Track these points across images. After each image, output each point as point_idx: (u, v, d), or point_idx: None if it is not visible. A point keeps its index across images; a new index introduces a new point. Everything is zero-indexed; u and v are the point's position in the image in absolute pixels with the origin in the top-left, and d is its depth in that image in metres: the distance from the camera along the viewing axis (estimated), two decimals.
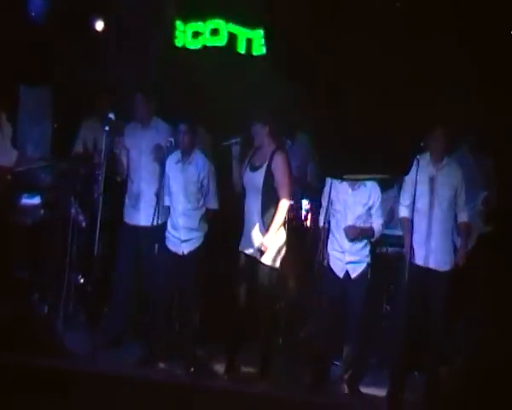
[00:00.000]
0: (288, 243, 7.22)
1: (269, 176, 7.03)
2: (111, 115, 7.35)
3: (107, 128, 7.26)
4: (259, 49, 9.19)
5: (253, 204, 7.07)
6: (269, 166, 7.04)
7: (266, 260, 7.01)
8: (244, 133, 7.26)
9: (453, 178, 7.08)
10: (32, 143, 8.18)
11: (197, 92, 8.62)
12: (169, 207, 7.38)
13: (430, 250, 7.00)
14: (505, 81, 7.92)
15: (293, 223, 7.94)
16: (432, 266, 7.00)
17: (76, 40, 8.84)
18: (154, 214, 7.11)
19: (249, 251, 7.05)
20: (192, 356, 7.25)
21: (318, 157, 8.53)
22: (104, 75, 8.69)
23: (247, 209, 7.15)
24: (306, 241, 8.00)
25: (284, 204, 7.04)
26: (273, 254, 7.03)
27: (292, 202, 7.54)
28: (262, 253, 6.98)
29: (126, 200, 7.73)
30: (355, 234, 7.02)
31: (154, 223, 7.15)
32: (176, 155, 7.37)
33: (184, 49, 9.19)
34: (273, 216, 7.00)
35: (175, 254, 7.29)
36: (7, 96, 8.22)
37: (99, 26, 9.10)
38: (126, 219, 7.71)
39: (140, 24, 9.09)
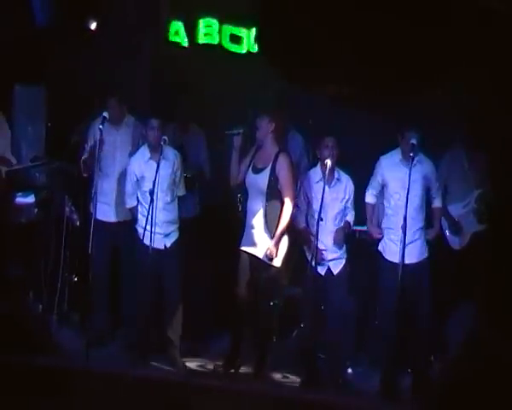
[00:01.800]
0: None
1: (273, 178, 7.02)
2: (105, 114, 7.38)
3: (100, 127, 7.29)
4: (252, 47, 9.19)
5: (257, 206, 7.05)
6: (273, 169, 7.02)
7: (266, 259, 7.02)
8: (247, 126, 7.24)
9: (424, 174, 7.14)
10: (26, 143, 8.16)
11: (190, 90, 8.62)
12: (136, 207, 7.38)
13: (404, 246, 6.98)
14: (499, 78, 7.95)
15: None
16: (407, 260, 7.01)
17: (69, 39, 8.84)
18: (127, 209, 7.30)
19: (250, 250, 7.04)
20: (182, 353, 7.28)
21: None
22: (98, 74, 8.69)
23: (249, 210, 7.12)
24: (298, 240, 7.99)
25: (289, 207, 7.04)
26: (279, 256, 7.04)
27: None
28: (270, 258, 6.97)
29: (98, 196, 7.63)
30: (343, 236, 7.12)
31: (129, 217, 7.39)
32: (143, 153, 7.37)
33: (177, 46, 9.17)
34: (278, 218, 6.99)
35: (156, 250, 7.24)
36: (4, 98, 8.22)
37: (93, 24, 9.09)
38: (99, 216, 7.63)
39: (133, 23, 9.10)
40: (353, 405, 5.50)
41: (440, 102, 8.16)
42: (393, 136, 7.20)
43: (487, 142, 7.98)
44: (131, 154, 7.62)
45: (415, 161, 7.03)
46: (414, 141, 6.99)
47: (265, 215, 6.99)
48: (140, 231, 7.26)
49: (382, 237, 7.15)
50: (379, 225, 7.22)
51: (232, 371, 7.12)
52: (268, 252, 6.94)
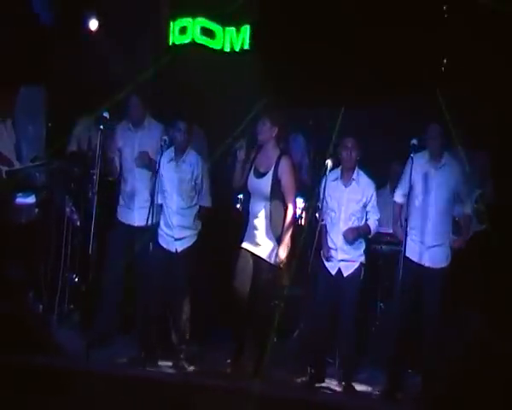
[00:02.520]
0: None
1: (276, 182, 6.98)
2: (105, 114, 7.36)
3: (101, 127, 7.27)
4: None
5: (260, 208, 7.00)
6: (275, 172, 6.98)
7: (273, 259, 6.99)
8: (247, 133, 7.24)
9: (451, 177, 7.04)
10: (27, 143, 8.16)
11: (193, 91, 8.63)
12: (161, 205, 7.37)
13: (426, 248, 6.99)
14: (501, 77, 7.96)
15: None
16: (426, 263, 7.00)
17: (70, 40, 8.85)
18: (149, 214, 7.08)
19: (253, 249, 7.02)
20: (186, 354, 7.27)
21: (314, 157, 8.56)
22: (98, 74, 8.69)
23: (252, 212, 7.07)
24: (301, 239, 7.99)
25: (293, 209, 7.01)
26: (283, 259, 6.98)
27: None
28: (279, 262, 6.94)
29: (120, 199, 7.72)
30: (353, 235, 7.03)
31: (149, 223, 7.12)
32: (169, 154, 7.36)
33: (177, 47, 9.19)
34: (283, 222, 6.95)
35: (168, 252, 7.28)
36: (7, 100, 8.22)
37: (93, 25, 9.10)
38: (120, 218, 7.69)
39: (133, 23, 9.11)
40: (356, 406, 5.51)
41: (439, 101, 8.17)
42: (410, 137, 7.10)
43: (487, 142, 7.99)
44: (143, 163, 7.55)
45: (442, 163, 7.00)
46: (414, 141, 6.96)
47: (270, 218, 6.96)
48: (159, 230, 7.27)
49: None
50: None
51: (240, 371, 7.08)
52: (278, 258, 6.91)
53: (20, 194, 8.03)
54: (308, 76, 8.78)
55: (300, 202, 8.11)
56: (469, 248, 7.67)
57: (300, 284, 7.59)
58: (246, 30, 9.26)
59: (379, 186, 7.66)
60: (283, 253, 6.92)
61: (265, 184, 7.00)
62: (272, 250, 6.98)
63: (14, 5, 8.73)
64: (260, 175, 7.05)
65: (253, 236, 7.03)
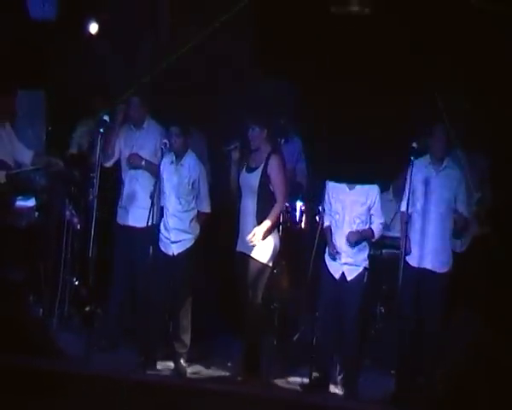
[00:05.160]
0: (283, 244, 7.26)
1: (265, 177, 7.08)
2: (106, 118, 7.36)
3: (101, 130, 7.28)
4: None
5: (249, 205, 7.11)
6: (265, 168, 7.09)
7: (260, 256, 7.03)
8: (241, 137, 7.29)
9: (452, 180, 7.04)
10: (27, 146, 8.13)
11: (192, 94, 8.64)
12: (162, 208, 7.39)
13: (427, 252, 6.98)
14: (500, 80, 7.96)
15: (288, 224, 7.95)
16: (428, 267, 6.99)
17: (69, 42, 8.85)
18: (148, 216, 7.08)
19: (244, 249, 7.07)
20: (187, 358, 7.28)
21: (314, 159, 8.56)
22: (98, 77, 8.70)
23: (242, 210, 7.19)
24: (301, 242, 8.00)
25: (279, 205, 7.11)
26: (267, 252, 7.05)
27: (287, 204, 7.58)
28: (253, 245, 6.98)
29: (119, 201, 7.73)
30: (356, 238, 7.04)
31: (148, 224, 7.15)
32: (170, 157, 7.38)
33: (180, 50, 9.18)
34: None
35: (166, 255, 7.30)
36: (6, 103, 8.21)
37: (93, 28, 9.11)
38: (119, 220, 7.70)
39: (134, 25, 9.11)
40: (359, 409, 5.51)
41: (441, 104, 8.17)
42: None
43: (487, 145, 7.98)
44: (135, 164, 7.60)
45: (443, 166, 6.99)
46: (415, 144, 6.95)
47: (257, 214, 7.04)
48: (158, 234, 7.29)
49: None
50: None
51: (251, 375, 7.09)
52: (252, 236, 6.94)
53: (20, 197, 8.02)
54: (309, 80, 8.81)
55: (299, 206, 8.11)
56: (470, 252, 7.69)
57: (301, 286, 7.60)
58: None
59: (381, 190, 7.68)
60: (258, 232, 6.94)
61: (254, 178, 7.09)
62: (260, 248, 7.00)
63: (14, 7, 8.74)
64: (251, 170, 7.15)
65: (243, 234, 7.09)
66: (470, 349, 6.07)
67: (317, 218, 7.32)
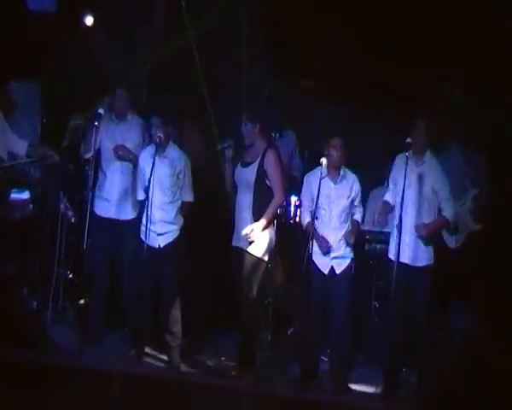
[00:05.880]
0: (278, 238, 7.27)
1: (261, 172, 7.07)
2: (100, 111, 7.35)
3: (96, 123, 7.27)
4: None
5: (245, 199, 7.10)
6: (261, 163, 7.08)
7: (255, 251, 7.03)
8: (235, 134, 7.29)
9: (433, 174, 7.03)
10: (21, 138, 8.11)
11: (187, 88, 8.63)
12: (143, 201, 7.34)
13: (407, 246, 6.95)
14: (495, 77, 7.96)
15: (283, 219, 7.96)
16: (408, 261, 6.95)
17: (65, 35, 8.83)
18: (128, 207, 7.09)
19: (239, 244, 7.08)
20: (179, 351, 7.28)
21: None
22: (93, 70, 8.69)
23: (238, 204, 7.18)
24: (295, 237, 8.00)
25: (278, 199, 7.12)
26: (262, 246, 7.05)
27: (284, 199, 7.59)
28: (250, 241, 7.00)
29: (97, 191, 7.66)
30: (354, 238, 7.09)
31: (129, 217, 7.24)
32: (150, 149, 7.35)
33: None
34: (265, 210, 7.04)
35: (151, 248, 7.23)
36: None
37: (89, 20, 9.08)
38: (98, 212, 7.62)
39: (131, 19, 9.09)
40: (351, 405, 5.51)
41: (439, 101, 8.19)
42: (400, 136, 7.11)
43: (484, 141, 7.99)
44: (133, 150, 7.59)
45: (423, 161, 7.01)
46: (409, 139, 6.96)
47: (253, 208, 7.03)
48: (141, 226, 7.25)
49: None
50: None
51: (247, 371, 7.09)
52: (247, 231, 6.94)
53: (14, 190, 8.00)
54: (303, 72, 8.82)
55: (294, 200, 8.11)
56: (465, 248, 7.70)
57: (295, 281, 7.60)
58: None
59: (376, 184, 7.70)
60: (257, 228, 6.95)
61: (250, 172, 7.08)
62: (255, 242, 7.01)
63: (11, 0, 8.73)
64: (246, 165, 7.14)
65: (239, 229, 7.09)
66: (463, 346, 6.08)
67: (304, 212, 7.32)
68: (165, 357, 7.37)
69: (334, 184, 7.12)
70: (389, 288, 6.79)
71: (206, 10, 8.78)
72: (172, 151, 7.34)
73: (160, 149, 7.26)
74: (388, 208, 7.14)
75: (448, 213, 7.05)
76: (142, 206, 7.37)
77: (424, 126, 6.99)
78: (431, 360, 6.94)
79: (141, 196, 7.37)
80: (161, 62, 8.82)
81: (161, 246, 7.30)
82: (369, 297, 8.00)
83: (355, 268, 7.25)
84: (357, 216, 7.21)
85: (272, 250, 7.22)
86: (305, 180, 7.27)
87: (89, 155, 7.50)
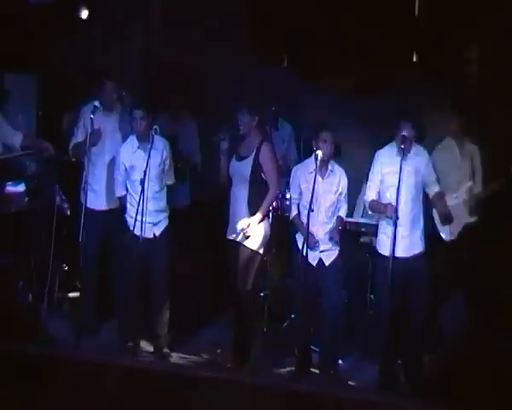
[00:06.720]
0: (273, 231, 7.29)
1: (256, 166, 7.09)
2: (96, 103, 7.35)
3: (92, 116, 7.26)
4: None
5: (240, 193, 7.12)
6: (256, 157, 7.10)
7: (251, 244, 7.05)
8: (231, 127, 7.29)
9: (419, 163, 7.03)
10: (16, 130, 8.09)
11: (182, 81, 8.64)
12: (125, 196, 7.36)
13: (399, 239, 6.95)
14: (491, 71, 7.98)
15: (278, 212, 7.96)
16: (401, 254, 6.95)
17: (61, 27, 8.82)
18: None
19: (236, 237, 7.09)
20: (166, 339, 7.30)
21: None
22: (89, 63, 8.69)
23: (233, 198, 7.20)
24: (291, 230, 8.00)
25: (273, 193, 7.16)
26: (258, 239, 7.07)
27: (279, 192, 7.60)
28: (247, 235, 7.01)
29: (87, 184, 7.56)
30: (339, 235, 7.12)
31: (119, 205, 7.35)
32: (132, 142, 7.35)
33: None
34: (261, 204, 7.06)
35: (146, 239, 7.18)
36: None
37: (84, 13, 9.08)
38: (88, 204, 7.51)
39: (125, 12, 9.09)
40: (344, 396, 5.51)
41: (433, 92, 8.19)
42: (388, 129, 7.12)
43: (480, 133, 8.00)
44: (120, 143, 7.57)
45: (411, 153, 7.01)
46: (405, 133, 6.96)
47: (249, 202, 7.06)
48: (130, 220, 7.23)
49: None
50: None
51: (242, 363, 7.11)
52: (244, 226, 6.95)
53: (9, 182, 8.00)
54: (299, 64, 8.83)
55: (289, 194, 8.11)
56: (459, 240, 7.71)
57: (290, 274, 7.61)
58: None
59: (365, 178, 7.70)
60: (253, 221, 6.99)
61: (246, 166, 7.10)
62: (251, 235, 7.03)
63: None
64: (241, 158, 7.16)
65: (234, 223, 7.11)
66: (458, 337, 6.10)
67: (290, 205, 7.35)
68: (153, 347, 7.38)
69: (322, 178, 7.13)
70: (384, 281, 6.81)
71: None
72: (157, 141, 7.31)
73: (143, 140, 7.26)
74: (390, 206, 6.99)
75: (434, 189, 7.09)
76: (124, 201, 7.38)
77: (410, 127, 6.95)
78: (424, 352, 6.97)
79: (121, 192, 7.38)
80: (157, 55, 8.84)
81: (157, 235, 7.34)
82: (365, 290, 8.00)
83: (350, 261, 7.26)
84: (342, 212, 7.21)
85: (268, 243, 7.24)
86: (293, 172, 7.28)
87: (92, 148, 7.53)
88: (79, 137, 7.71)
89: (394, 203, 6.87)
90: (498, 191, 7.81)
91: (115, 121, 7.70)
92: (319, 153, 6.98)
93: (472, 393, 5.23)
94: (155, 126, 7.24)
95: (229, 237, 7.19)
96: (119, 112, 7.73)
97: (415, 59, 8.37)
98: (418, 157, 7.06)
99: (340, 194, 7.18)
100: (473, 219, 7.82)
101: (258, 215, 7.05)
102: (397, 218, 6.84)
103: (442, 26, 8.27)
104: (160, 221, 7.36)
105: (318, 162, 6.97)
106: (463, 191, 7.82)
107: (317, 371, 7.18)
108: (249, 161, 7.11)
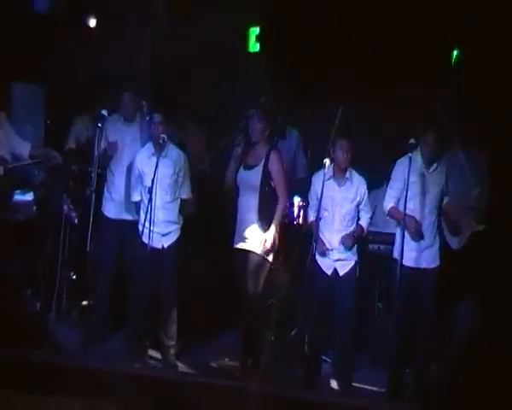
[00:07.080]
0: (282, 239, 7.28)
1: (266, 175, 7.07)
2: (104, 112, 7.36)
3: (99, 125, 7.28)
4: (254, 46, 9.23)
5: (250, 202, 7.09)
6: (265, 165, 7.08)
7: (260, 251, 7.03)
8: (242, 132, 7.29)
9: (441, 177, 7.06)
10: (25, 140, 8.12)
11: (190, 87, 8.65)
12: (139, 202, 7.34)
13: (420, 250, 6.97)
14: (497, 78, 7.97)
15: (286, 220, 7.95)
16: (422, 265, 6.98)
17: (69, 37, 8.85)
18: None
19: (244, 245, 7.07)
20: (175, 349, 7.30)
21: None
22: (97, 71, 8.70)
23: (241, 206, 7.17)
24: (298, 238, 8.00)
25: (283, 202, 7.13)
26: (269, 247, 7.05)
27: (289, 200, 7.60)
28: (267, 251, 7.01)
29: (106, 193, 7.67)
30: (352, 241, 7.07)
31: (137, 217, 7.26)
32: (148, 149, 7.36)
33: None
34: (272, 213, 7.05)
35: (154, 249, 7.19)
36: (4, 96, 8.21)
37: (92, 22, 9.11)
38: (106, 213, 7.63)
39: (134, 20, 9.11)
40: (355, 406, 5.51)
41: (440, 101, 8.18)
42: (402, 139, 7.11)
43: (486, 141, 7.98)
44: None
45: (434, 166, 7.00)
46: (412, 141, 6.95)
47: (259, 210, 7.04)
48: (140, 228, 7.23)
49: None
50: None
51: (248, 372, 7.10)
52: (264, 243, 6.96)
53: (17, 191, 8.02)
54: (308, 75, 8.82)
55: (298, 201, 8.10)
56: (467, 248, 7.69)
57: (298, 282, 7.60)
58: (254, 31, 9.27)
59: (375, 185, 7.68)
60: (269, 241, 6.97)
61: (255, 176, 7.08)
62: (261, 243, 7.03)
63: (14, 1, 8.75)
64: (249, 168, 7.14)
65: (243, 231, 7.09)
66: (467, 346, 6.08)
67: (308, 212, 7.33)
68: (161, 356, 7.37)
69: (339, 186, 7.10)
70: (393, 289, 6.79)
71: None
72: (172, 150, 7.33)
73: (159, 148, 7.26)
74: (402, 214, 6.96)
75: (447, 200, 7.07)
76: (138, 207, 7.37)
77: (434, 140, 6.97)
78: (433, 360, 6.95)
79: (136, 197, 7.37)
80: (163, 62, 8.85)
81: (165, 247, 7.31)
82: (373, 298, 7.99)
83: (359, 269, 7.21)
84: (363, 221, 7.15)
85: (276, 250, 7.22)
86: (312, 179, 7.24)
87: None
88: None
89: (417, 214, 6.85)
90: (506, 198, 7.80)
91: (135, 131, 7.70)
92: (327, 161, 6.97)
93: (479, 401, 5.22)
94: (163, 135, 7.21)
95: (237, 246, 7.17)
96: (139, 122, 7.74)
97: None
98: (441, 170, 7.06)
99: (359, 203, 7.11)
100: (481, 227, 7.80)
101: (273, 228, 7.02)
102: (421, 230, 6.83)
103: None
104: (169, 232, 7.31)
105: (328, 169, 6.96)
106: (471, 199, 7.80)
107: (328, 380, 7.15)
108: (258, 170, 7.09)
